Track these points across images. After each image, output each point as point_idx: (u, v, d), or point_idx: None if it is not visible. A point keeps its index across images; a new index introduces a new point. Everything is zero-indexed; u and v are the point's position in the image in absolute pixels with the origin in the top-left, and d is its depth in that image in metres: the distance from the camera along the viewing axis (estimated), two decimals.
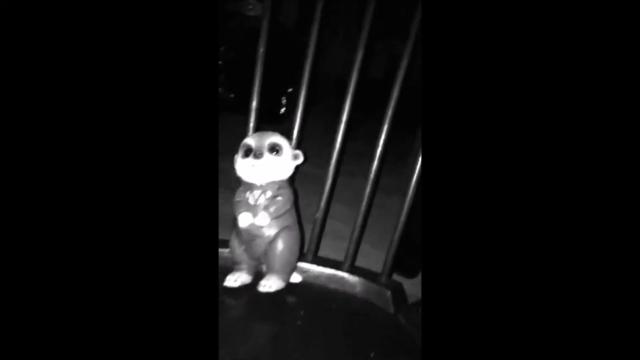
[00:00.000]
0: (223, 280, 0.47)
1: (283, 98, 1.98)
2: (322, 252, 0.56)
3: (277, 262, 0.47)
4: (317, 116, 0.56)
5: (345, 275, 0.53)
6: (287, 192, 0.48)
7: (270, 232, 0.46)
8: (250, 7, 1.80)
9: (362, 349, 0.43)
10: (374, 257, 0.57)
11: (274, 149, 0.46)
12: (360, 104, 0.56)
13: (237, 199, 0.47)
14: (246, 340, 0.42)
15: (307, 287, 0.51)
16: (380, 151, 0.51)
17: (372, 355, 0.43)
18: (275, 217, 0.46)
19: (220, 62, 1.86)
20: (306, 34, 0.57)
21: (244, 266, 0.48)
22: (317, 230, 0.54)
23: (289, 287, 0.49)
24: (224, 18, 1.82)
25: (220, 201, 0.44)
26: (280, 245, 0.46)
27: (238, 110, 0.54)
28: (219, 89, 1.79)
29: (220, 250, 0.50)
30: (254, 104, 0.54)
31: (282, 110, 1.99)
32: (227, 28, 1.74)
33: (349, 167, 0.61)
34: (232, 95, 1.80)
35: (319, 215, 0.53)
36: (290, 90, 2.04)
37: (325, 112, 0.67)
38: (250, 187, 0.47)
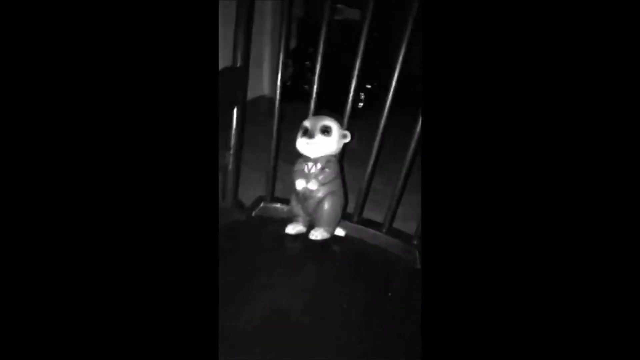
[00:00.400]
0: (285, 228, 0.63)
1: (362, 94, 2.07)
2: (366, 215, 0.69)
3: (323, 218, 0.60)
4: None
5: (381, 234, 0.65)
6: (334, 165, 0.60)
7: (319, 194, 0.60)
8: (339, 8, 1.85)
9: (385, 290, 0.56)
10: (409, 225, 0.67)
11: (325, 130, 0.59)
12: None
13: (296, 169, 0.61)
14: (299, 274, 0.57)
15: (350, 240, 0.65)
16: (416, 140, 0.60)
17: (389, 294, 0.55)
18: (323, 184, 0.60)
19: (307, 63, 2.02)
20: (376, 28, 0.66)
21: (300, 219, 0.63)
22: (361, 197, 0.66)
23: (334, 239, 0.63)
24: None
25: (286, 172, 0.58)
26: (326, 205, 0.60)
27: (322, 104, 0.66)
28: (305, 86, 1.93)
29: (282, 206, 0.67)
30: (314, 90, 0.66)
31: (360, 105, 2.08)
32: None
33: (392, 150, 0.71)
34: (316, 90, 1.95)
35: (363, 185, 0.65)
36: (368, 86, 2.11)
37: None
38: (306, 159, 0.61)
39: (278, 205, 0.69)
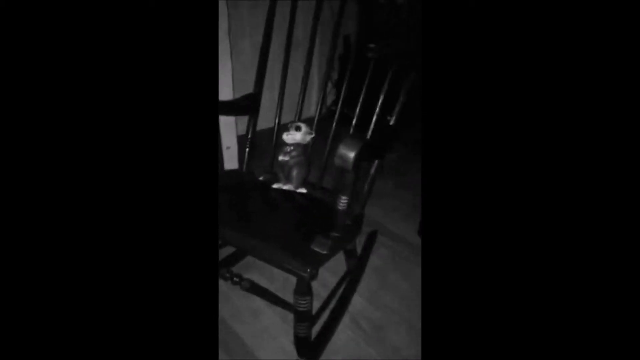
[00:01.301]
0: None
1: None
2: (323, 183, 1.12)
3: (293, 178, 1.06)
4: None
5: (319, 191, 1.08)
6: (302, 148, 1.06)
7: (290, 165, 1.06)
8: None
9: (312, 211, 0.99)
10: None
11: (297, 128, 1.05)
12: None
13: (281, 150, 1.08)
14: (275, 206, 1.02)
15: (305, 195, 1.09)
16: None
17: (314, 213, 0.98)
18: (294, 159, 1.05)
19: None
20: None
21: (281, 179, 1.09)
22: (322, 170, 1.10)
23: (297, 193, 1.08)
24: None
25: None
26: (294, 171, 1.05)
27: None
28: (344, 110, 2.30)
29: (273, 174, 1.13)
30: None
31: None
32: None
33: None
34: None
35: (323, 162, 1.09)
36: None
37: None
38: (286, 144, 1.07)
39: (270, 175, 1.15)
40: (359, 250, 1.30)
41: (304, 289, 0.83)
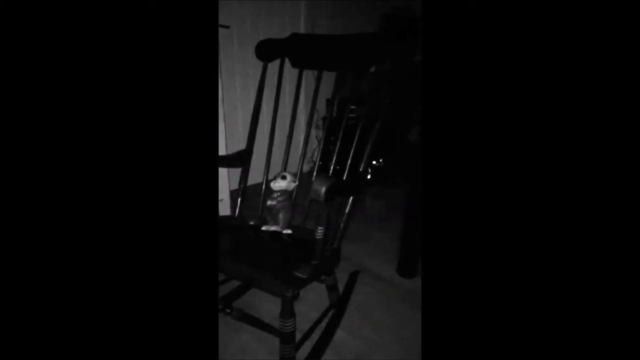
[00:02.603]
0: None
1: (369, 169, 2.63)
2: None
3: (280, 220, 1.21)
4: None
5: (305, 231, 1.23)
6: (288, 194, 1.23)
7: (277, 208, 1.22)
8: None
9: (300, 247, 1.13)
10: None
11: (283, 177, 1.23)
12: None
13: (269, 196, 1.25)
14: (265, 244, 1.16)
15: (290, 235, 1.23)
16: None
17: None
18: (280, 203, 1.22)
19: (331, 147, 2.30)
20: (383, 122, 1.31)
21: (269, 221, 1.24)
22: (303, 215, 1.26)
23: (283, 233, 1.22)
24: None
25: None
26: (280, 215, 1.21)
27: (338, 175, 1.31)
28: (329, 163, 2.55)
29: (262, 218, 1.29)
30: (332, 166, 1.33)
31: (369, 177, 2.69)
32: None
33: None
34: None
35: (305, 208, 1.26)
36: (375, 162, 2.75)
37: None
38: (273, 191, 1.24)
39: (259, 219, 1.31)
40: (341, 287, 1.41)
41: (287, 310, 0.95)
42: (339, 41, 1.26)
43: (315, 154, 1.32)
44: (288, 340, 0.97)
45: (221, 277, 1.04)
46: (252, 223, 1.29)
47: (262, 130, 1.36)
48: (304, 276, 0.93)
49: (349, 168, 1.17)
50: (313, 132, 2.57)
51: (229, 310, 1.06)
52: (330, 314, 1.28)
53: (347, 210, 1.13)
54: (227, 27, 2.28)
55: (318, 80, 1.30)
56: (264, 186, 1.31)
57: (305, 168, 1.42)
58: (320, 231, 0.94)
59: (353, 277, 1.49)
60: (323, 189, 0.84)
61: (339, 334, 1.27)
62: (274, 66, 1.31)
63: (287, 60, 1.32)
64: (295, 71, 1.32)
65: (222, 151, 1.83)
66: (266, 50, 1.33)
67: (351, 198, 1.10)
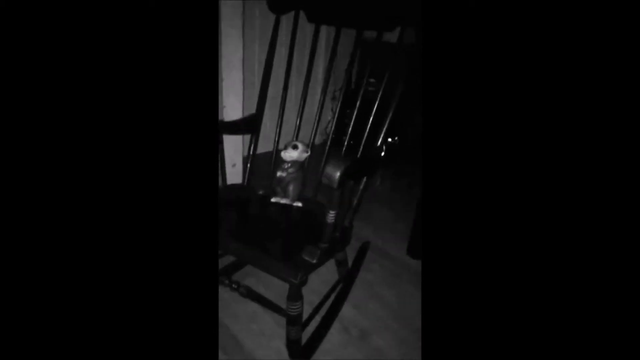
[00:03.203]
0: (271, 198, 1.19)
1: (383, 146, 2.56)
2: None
3: (289, 192, 1.15)
4: None
5: (314, 205, 1.17)
6: (299, 165, 1.16)
7: (286, 180, 1.15)
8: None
9: (306, 221, 1.08)
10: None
11: (294, 146, 1.15)
12: None
13: (279, 166, 1.18)
14: (271, 217, 1.12)
15: (300, 208, 1.18)
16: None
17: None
18: (291, 175, 1.15)
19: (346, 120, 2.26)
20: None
21: (279, 193, 1.18)
22: (315, 184, 1.20)
23: (293, 206, 1.17)
24: None
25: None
26: (291, 186, 1.15)
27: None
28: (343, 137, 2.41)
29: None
30: (346, 140, 1.24)
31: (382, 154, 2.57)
32: None
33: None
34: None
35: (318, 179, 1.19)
36: (390, 140, 2.47)
37: None
38: (284, 161, 1.17)
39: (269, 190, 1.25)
40: (350, 261, 1.38)
41: (295, 295, 0.92)
42: None
43: (330, 125, 1.24)
44: (294, 322, 0.96)
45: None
46: (261, 193, 1.23)
47: (278, 95, 1.25)
48: (313, 261, 0.88)
49: (364, 144, 1.09)
50: (328, 102, 2.44)
51: (235, 286, 1.03)
52: (338, 288, 1.26)
53: (360, 187, 1.06)
54: None
55: (335, 41, 1.17)
56: (274, 155, 1.24)
57: (318, 140, 1.35)
58: (331, 215, 0.88)
59: (362, 252, 1.46)
60: (337, 174, 0.76)
61: (347, 309, 1.25)
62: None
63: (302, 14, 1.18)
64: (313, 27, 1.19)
65: (239, 115, 1.73)
66: (278, 0, 1.19)
67: (365, 177, 1.03)
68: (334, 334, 1.16)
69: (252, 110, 1.26)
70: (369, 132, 1.08)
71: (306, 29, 1.25)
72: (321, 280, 1.33)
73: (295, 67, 1.33)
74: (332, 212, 0.87)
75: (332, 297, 1.24)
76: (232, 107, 1.73)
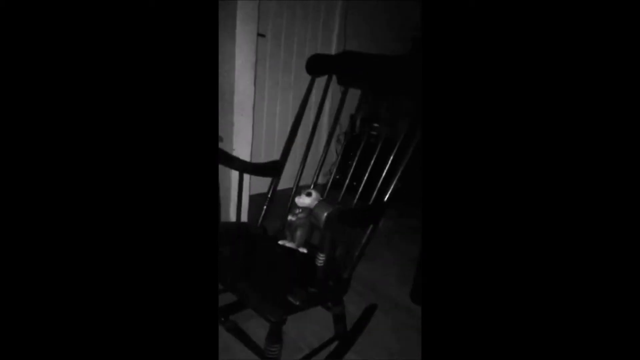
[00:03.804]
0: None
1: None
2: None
3: (296, 237, 1.17)
4: None
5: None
6: (309, 212, 1.18)
7: (296, 224, 1.18)
8: None
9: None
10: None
11: (308, 194, 1.19)
12: None
13: (291, 211, 1.21)
14: (281, 260, 1.13)
15: (305, 254, 1.18)
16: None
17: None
18: (300, 220, 1.17)
19: (350, 162, 2.50)
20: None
21: (287, 236, 1.20)
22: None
23: (298, 251, 1.18)
24: None
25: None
26: (298, 232, 1.17)
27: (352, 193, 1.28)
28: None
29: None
30: (346, 183, 1.28)
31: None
32: None
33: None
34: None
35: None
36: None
37: None
38: (297, 207, 1.20)
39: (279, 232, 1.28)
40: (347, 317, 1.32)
41: (273, 335, 0.90)
42: (392, 62, 1.20)
43: (332, 168, 1.32)
44: None
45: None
46: (270, 235, 1.26)
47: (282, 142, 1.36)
48: (296, 302, 0.87)
49: (364, 186, 1.11)
50: (333, 146, 2.52)
51: (222, 319, 1.04)
52: (333, 347, 1.20)
53: (364, 240, 1.05)
54: (263, 35, 2.30)
55: (344, 94, 1.25)
56: (291, 199, 1.28)
57: (322, 181, 1.41)
58: (321, 258, 0.88)
59: (369, 311, 1.39)
60: (324, 216, 0.78)
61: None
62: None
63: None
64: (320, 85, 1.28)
65: (247, 158, 1.88)
66: (316, 65, 1.31)
67: (370, 228, 1.02)
68: None
69: (261, 153, 1.34)
70: (369, 175, 1.11)
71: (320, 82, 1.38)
72: (315, 336, 1.28)
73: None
74: (321, 255, 0.87)
75: (325, 352, 1.18)
76: (241, 152, 1.87)
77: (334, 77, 1.26)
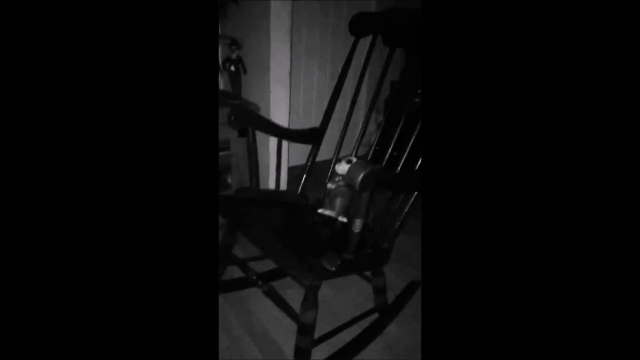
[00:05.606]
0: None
1: None
2: None
3: (336, 205, 1.13)
4: None
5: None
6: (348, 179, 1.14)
7: (336, 192, 1.14)
8: None
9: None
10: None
11: (348, 161, 1.14)
12: None
13: (331, 179, 1.17)
14: (302, 229, 1.11)
15: (344, 223, 1.14)
16: None
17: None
18: (340, 188, 1.13)
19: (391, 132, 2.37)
20: None
21: (326, 205, 1.17)
22: None
23: (337, 220, 1.14)
24: None
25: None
26: (338, 200, 1.13)
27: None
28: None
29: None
30: (388, 153, 1.23)
31: None
32: None
33: None
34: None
35: None
36: None
37: None
38: (337, 175, 1.16)
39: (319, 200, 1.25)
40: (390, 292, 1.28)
41: (309, 300, 0.88)
42: None
43: (373, 138, 1.24)
44: (305, 331, 0.91)
45: None
46: (310, 202, 1.24)
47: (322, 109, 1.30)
48: (330, 268, 0.84)
49: (407, 157, 1.04)
50: (374, 114, 2.39)
51: (261, 283, 1.04)
52: (373, 318, 1.17)
53: (406, 210, 0.99)
54: None
55: (389, 57, 1.16)
56: (332, 167, 1.24)
57: (362, 152, 1.36)
58: (358, 223, 0.83)
59: (410, 289, 1.33)
60: (360, 177, 0.73)
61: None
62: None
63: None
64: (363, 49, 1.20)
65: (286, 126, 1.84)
66: (361, 24, 1.24)
67: (414, 194, 0.96)
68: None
69: (299, 121, 1.30)
70: (412, 145, 1.04)
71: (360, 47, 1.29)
72: (358, 308, 1.25)
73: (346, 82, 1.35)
74: (358, 220, 0.83)
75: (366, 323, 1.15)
76: (278, 119, 1.82)
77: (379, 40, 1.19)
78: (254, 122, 1.13)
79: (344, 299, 1.32)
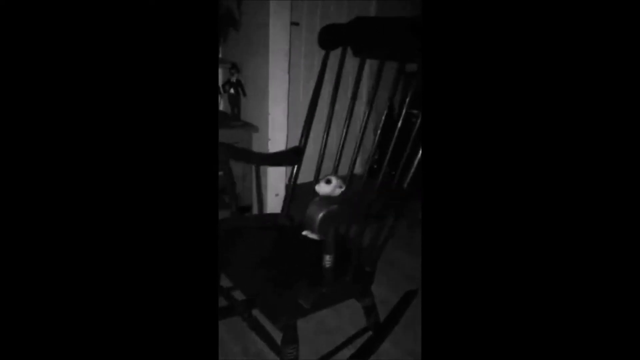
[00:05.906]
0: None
1: None
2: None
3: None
4: None
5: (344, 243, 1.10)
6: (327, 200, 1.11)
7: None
8: None
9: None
10: None
11: (327, 181, 1.11)
12: None
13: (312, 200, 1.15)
14: (284, 250, 1.09)
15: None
16: None
17: None
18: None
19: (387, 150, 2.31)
20: None
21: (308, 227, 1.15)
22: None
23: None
24: None
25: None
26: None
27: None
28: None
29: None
30: (382, 171, 1.20)
31: None
32: None
33: None
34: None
35: None
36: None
37: None
38: (319, 195, 1.14)
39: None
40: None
41: (288, 338, 0.87)
42: (409, 25, 1.04)
43: (370, 156, 1.18)
44: None
45: None
46: (294, 224, 1.22)
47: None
48: (307, 306, 0.83)
49: (401, 171, 1.00)
50: (370, 133, 2.34)
51: (246, 315, 1.03)
52: (366, 336, 1.15)
53: (384, 234, 0.96)
54: (297, 24, 2.21)
55: (378, 74, 1.11)
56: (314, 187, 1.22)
57: (359, 171, 1.29)
58: (327, 259, 0.81)
59: (407, 298, 1.31)
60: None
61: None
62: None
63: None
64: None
65: (282, 148, 1.84)
66: (328, 37, 1.19)
67: (391, 220, 0.93)
68: None
69: (297, 142, 1.27)
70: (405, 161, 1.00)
71: (348, 65, 1.24)
72: (355, 325, 1.24)
73: (340, 99, 1.31)
74: (327, 256, 0.81)
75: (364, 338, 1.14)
76: (276, 141, 1.86)
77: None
78: (229, 153, 1.12)
79: (341, 317, 1.30)
